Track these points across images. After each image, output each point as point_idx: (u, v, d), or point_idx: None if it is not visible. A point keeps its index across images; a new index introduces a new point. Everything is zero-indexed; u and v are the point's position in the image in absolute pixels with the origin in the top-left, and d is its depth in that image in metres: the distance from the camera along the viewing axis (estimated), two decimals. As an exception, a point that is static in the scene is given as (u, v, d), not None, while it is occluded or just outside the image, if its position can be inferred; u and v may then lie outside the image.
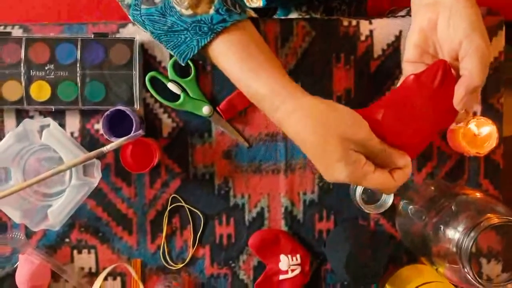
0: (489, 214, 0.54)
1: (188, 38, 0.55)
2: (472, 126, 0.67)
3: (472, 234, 0.53)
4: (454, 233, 0.57)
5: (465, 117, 0.57)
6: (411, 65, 0.57)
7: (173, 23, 0.55)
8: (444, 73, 0.53)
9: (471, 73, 0.51)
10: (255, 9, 0.88)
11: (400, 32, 0.71)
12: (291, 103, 0.52)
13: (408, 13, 0.91)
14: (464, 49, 0.51)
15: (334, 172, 0.51)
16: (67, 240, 0.72)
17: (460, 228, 0.56)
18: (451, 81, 0.53)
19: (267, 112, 0.54)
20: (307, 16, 0.93)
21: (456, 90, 0.52)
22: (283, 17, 0.93)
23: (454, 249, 0.56)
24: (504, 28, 0.71)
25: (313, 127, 0.51)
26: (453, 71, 0.54)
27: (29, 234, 0.72)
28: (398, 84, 0.57)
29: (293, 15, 0.94)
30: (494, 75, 0.71)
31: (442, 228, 0.60)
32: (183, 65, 0.59)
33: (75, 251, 0.72)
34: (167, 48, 0.58)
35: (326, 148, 0.50)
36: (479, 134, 0.68)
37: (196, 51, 0.55)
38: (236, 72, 0.54)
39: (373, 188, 0.52)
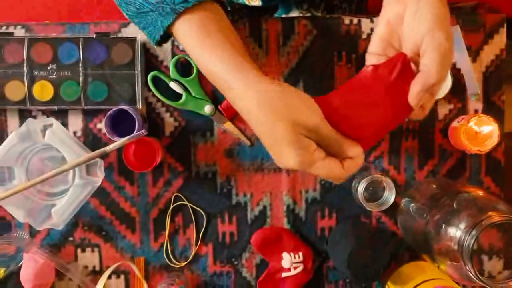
0: (490, 212, 0.54)
1: (154, 19, 0.55)
2: (473, 124, 0.67)
3: (473, 232, 0.53)
4: (455, 231, 0.57)
5: (421, 114, 0.56)
6: (374, 57, 0.55)
7: (141, 5, 0.55)
8: (403, 66, 0.52)
9: (429, 70, 0.50)
10: (255, 8, 0.88)
11: (402, 30, 0.71)
12: (245, 83, 0.51)
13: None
14: (426, 44, 0.50)
15: (284, 156, 0.50)
16: (70, 238, 0.73)
17: (462, 226, 0.57)
18: (409, 75, 0.52)
19: (222, 91, 0.54)
20: (308, 14, 0.93)
21: (412, 86, 0.52)
22: (284, 16, 0.93)
23: (456, 247, 0.56)
24: (505, 25, 0.71)
25: (264, 109, 0.50)
26: (413, 66, 0.53)
27: (33, 233, 0.72)
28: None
29: (294, 13, 0.94)
30: (495, 73, 0.72)
31: (443, 226, 0.60)
32: (155, 46, 0.59)
33: (78, 250, 0.73)
34: (141, 30, 0.58)
35: (276, 131, 0.50)
36: (480, 131, 0.68)
37: (161, 32, 0.55)
38: (196, 52, 0.54)
39: (321, 175, 0.51)
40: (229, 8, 0.86)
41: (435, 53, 0.49)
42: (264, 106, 0.50)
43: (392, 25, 0.54)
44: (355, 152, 0.52)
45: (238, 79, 0.51)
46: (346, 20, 0.71)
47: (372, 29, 0.71)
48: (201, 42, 0.53)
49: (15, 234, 0.71)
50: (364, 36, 0.71)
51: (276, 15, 0.96)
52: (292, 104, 0.50)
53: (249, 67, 0.52)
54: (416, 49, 0.52)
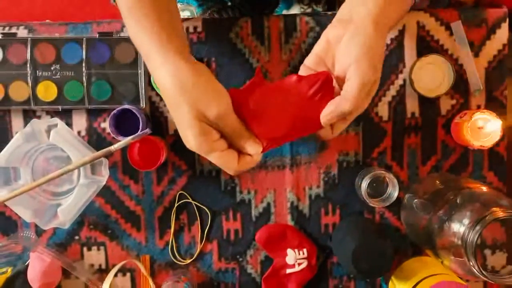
0: (494, 208, 0.54)
1: None
2: (476, 119, 0.68)
3: (477, 227, 0.54)
4: (459, 227, 0.58)
5: (329, 135, 0.58)
6: (306, 70, 0.57)
7: None
8: (324, 84, 0.55)
9: (346, 96, 0.52)
10: (256, 2, 0.88)
11: (404, 26, 0.71)
12: (162, 57, 0.52)
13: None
14: (350, 72, 0.52)
15: (185, 137, 0.52)
16: (76, 237, 0.73)
17: (465, 222, 0.57)
18: (329, 94, 0.55)
19: (144, 59, 0.55)
20: (309, 10, 0.93)
21: (328, 105, 0.54)
22: (286, 13, 0.93)
23: (459, 242, 0.57)
24: (507, 20, 0.71)
25: (174, 87, 0.51)
26: (337, 87, 0.55)
27: (39, 232, 0.73)
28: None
29: (295, 8, 0.94)
30: (498, 68, 0.72)
31: (447, 221, 0.60)
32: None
33: (84, 248, 0.74)
34: None
35: (180, 112, 0.51)
36: (483, 127, 0.68)
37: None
38: (125, 15, 0.55)
39: (216, 164, 0.53)
40: (230, 4, 0.86)
41: (357, 82, 0.52)
42: (174, 84, 0.51)
43: (330, 45, 0.56)
44: (254, 150, 0.54)
45: (158, 52, 0.52)
46: (348, 17, 0.71)
47: (374, 26, 0.71)
48: (133, 9, 0.54)
49: (21, 234, 0.72)
50: (366, 33, 0.71)
51: (277, 10, 0.95)
52: (200, 90, 0.51)
53: (173, 42, 0.53)
54: (344, 74, 0.54)
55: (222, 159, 0.52)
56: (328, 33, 0.56)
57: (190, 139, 0.51)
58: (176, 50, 0.52)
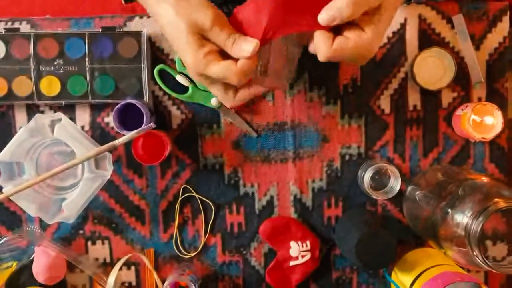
0: (496, 199, 0.55)
1: None
2: (477, 112, 0.68)
3: (480, 218, 0.54)
4: (462, 217, 0.58)
5: (328, 48, 0.51)
6: None
7: None
8: None
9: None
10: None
11: (405, 19, 0.72)
12: (156, 2, 0.52)
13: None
14: None
15: (182, 55, 0.52)
16: (81, 231, 0.74)
17: (468, 213, 0.58)
18: None
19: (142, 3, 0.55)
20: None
21: (326, 7, 0.50)
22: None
23: (462, 233, 0.57)
24: (508, 13, 0.71)
25: (171, 11, 0.51)
26: None
27: (43, 226, 0.73)
28: None
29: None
30: (499, 61, 0.72)
31: (449, 213, 0.61)
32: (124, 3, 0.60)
33: (89, 243, 0.74)
34: None
35: (177, 33, 0.51)
36: (484, 119, 0.69)
37: None
38: None
39: (215, 77, 0.52)
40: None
41: None
42: (172, 7, 0.51)
43: None
44: (251, 45, 0.50)
45: None
46: (350, 10, 0.72)
47: (376, 19, 0.71)
48: None
49: (26, 228, 0.72)
50: (368, 26, 0.72)
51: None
52: (194, 3, 0.51)
53: None
54: None
55: (219, 67, 0.51)
56: None
57: (187, 54, 0.51)
58: None
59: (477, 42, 0.72)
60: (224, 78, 0.52)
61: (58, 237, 0.74)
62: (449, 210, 0.61)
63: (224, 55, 0.52)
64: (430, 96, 0.73)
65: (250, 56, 0.51)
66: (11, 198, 0.64)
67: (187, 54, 0.51)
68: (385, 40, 0.72)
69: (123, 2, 0.66)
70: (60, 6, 1.24)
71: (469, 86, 0.73)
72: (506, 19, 0.72)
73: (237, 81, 0.51)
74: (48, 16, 0.74)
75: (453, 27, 0.72)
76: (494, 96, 0.73)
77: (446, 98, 0.73)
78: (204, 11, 0.51)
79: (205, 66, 0.51)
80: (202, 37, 0.51)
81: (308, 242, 0.73)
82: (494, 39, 0.72)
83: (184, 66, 0.71)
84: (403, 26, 0.72)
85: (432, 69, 0.71)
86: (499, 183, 0.62)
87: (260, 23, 0.51)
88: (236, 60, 0.51)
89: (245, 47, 0.51)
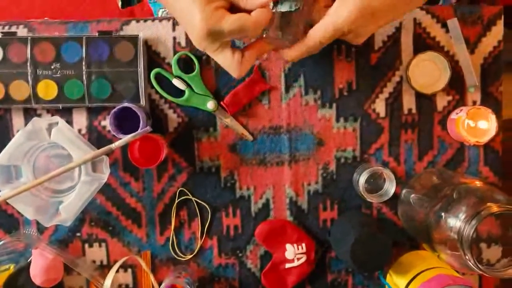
0: (489, 203, 0.55)
1: None
2: (471, 116, 0.69)
3: (473, 222, 0.55)
4: (455, 221, 0.59)
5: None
6: None
7: None
8: None
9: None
10: None
11: (400, 23, 0.72)
12: None
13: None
14: None
15: (188, 20, 0.50)
16: (78, 234, 0.74)
17: (461, 216, 0.58)
18: None
19: None
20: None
21: None
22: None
23: (455, 237, 0.58)
24: (503, 17, 0.72)
25: None
26: None
27: (40, 229, 0.74)
28: None
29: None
30: (493, 64, 0.73)
31: (443, 216, 0.61)
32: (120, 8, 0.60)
33: (86, 245, 0.74)
34: None
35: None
36: (478, 123, 0.69)
37: None
38: None
39: (230, 30, 0.49)
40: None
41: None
42: None
43: None
44: None
45: None
46: (346, 15, 0.72)
47: (371, 23, 0.72)
48: None
49: (23, 231, 0.73)
50: (363, 30, 0.72)
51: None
52: None
53: None
54: None
55: (234, 18, 0.49)
56: None
57: (195, 16, 0.49)
58: None
59: (472, 46, 0.72)
60: (240, 30, 0.49)
61: (55, 240, 0.74)
62: (443, 213, 0.61)
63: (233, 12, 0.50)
64: (425, 100, 0.73)
65: (264, 4, 0.49)
66: (8, 201, 0.64)
67: (194, 13, 0.49)
68: (380, 44, 0.72)
69: (120, 6, 0.67)
70: (59, 7, 1.24)
71: (464, 89, 0.73)
72: (500, 23, 0.72)
73: (253, 31, 0.49)
74: (46, 18, 0.74)
75: (447, 31, 0.72)
76: (489, 99, 0.73)
77: (441, 101, 0.73)
78: None
79: (218, 19, 0.49)
80: None
81: (303, 245, 0.73)
82: (488, 43, 0.72)
83: (178, 70, 0.71)
84: (398, 30, 0.72)
85: (427, 73, 0.72)
86: (493, 187, 0.63)
87: None
88: (248, 12, 0.50)
89: None
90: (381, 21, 0.54)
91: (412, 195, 0.70)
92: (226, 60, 0.53)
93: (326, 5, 0.54)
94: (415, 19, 0.72)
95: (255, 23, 0.49)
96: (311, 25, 0.54)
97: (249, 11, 0.50)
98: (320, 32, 0.53)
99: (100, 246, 0.74)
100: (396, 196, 0.72)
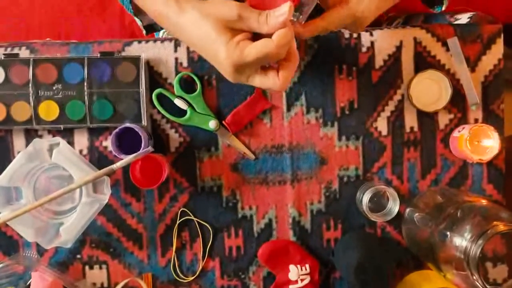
0: (495, 222, 0.55)
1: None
2: (474, 133, 0.69)
3: (479, 241, 0.54)
4: (461, 240, 0.58)
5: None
6: None
7: None
8: None
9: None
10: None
11: (401, 42, 0.73)
12: (178, 7, 0.53)
13: (406, 20, 0.92)
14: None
15: (214, 56, 0.51)
16: (78, 256, 0.73)
17: (467, 235, 0.57)
18: None
19: (163, 24, 0.56)
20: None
21: None
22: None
23: (462, 256, 0.57)
24: (502, 36, 0.72)
25: (195, 16, 0.51)
26: None
27: (40, 251, 0.73)
28: None
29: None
30: (494, 82, 0.73)
31: (448, 235, 0.61)
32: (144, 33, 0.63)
33: (86, 267, 0.73)
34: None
35: (204, 33, 0.51)
36: (481, 141, 0.69)
37: (131, 10, 0.62)
38: (148, 7, 0.56)
39: (255, 60, 0.50)
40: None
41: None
42: (195, 13, 0.51)
43: None
44: (284, 8, 0.50)
45: (171, 6, 0.53)
46: (346, 34, 0.73)
47: (372, 42, 0.72)
48: None
49: (23, 254, 0.72)
50: (364, 50, 0.73)
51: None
52: (210, 5, 0.51)
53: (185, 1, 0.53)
54: None
55: (256, 47, 0.49)
56: None
57: (220, 51, 0.50)
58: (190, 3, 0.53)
59: (472, 64, 0.73)
60: (265, 57, 0.50)
61: (55, 262, 0.73)
62: (448, 232, 0.61)
63: (255, 39, 0.51)
64: (426, 118, 0.73)
65: (285, 23, 0.49)
66: (8, 223, 0.64)
67: (219, 51, 0.50)
68: (381, 63, 0.73)
69: (144, 33, 0.68)
70: (61, 28, 1.25)
71: (466, 107, 0.73)
72: (500, 41, 0.72)
73: (277, 54, 0.50)
74: (48, 39, 0.75)
75: (448, 49, 0.73)
76: (490, 117, 0.73)
77: (443, 119, 0.73)
78: (227, 5, 0.50)
79: (241, 53, 0.50)
80: (230, 29, 0.50)
81: (307, 266, 0.72)
82: (489, 61, 0.73)
83: (180, 90, 0.71)
84: (398, 49, 0.73)
85: (428, 91, 0.72)
86: (498, 205, 0.62)
87: None
88: (269, 36, 0.50)
89: (280, 10, 0.50)
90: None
91: (416, 214, 0.69)
92: (263, 84, 0.53)
93: None
94: (415, 38, 0.73)
95: (278, 47, 0.50)
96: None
97: (271, 35, 0.50)
98: (335, 20, 0.56)
99: (100, 268, 0.73)
100: (400, 215, 0.72)
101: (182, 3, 0.53)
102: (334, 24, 0.56)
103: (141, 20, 0.66)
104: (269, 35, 0.50)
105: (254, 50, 0.50)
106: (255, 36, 0.51)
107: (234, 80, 0.53)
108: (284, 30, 0.50)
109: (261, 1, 0.52)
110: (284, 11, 0.49)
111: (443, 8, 0.70)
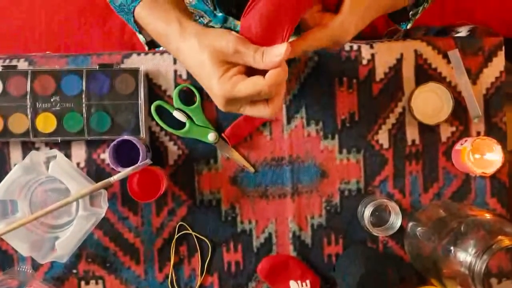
0: (500, 236, 0.54)
1: (125, 18, 0.62)
2: (476, 146, 0.68)
3: (484, 257, 0.53)
4: (465, 256, 0.57)
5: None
6: None
7: (117, 5, 0.61)
8: None
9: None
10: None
11: (401, 55, 0.72)
12: (179, 32, 0.54)
13: (406, 33, 0.92)
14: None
15: (208, 85, 0.52)
16: (74, 271, 0.72)
17: (471, 250, 0.56)
18: None
19: (165, 45, 0.58)
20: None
21: None
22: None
23: (466, 272, 0.56)
24: (503, 48, 0.72)
25: (195, 45, 0.52)
26: None
27: (35, 266, 0.71)
28: None
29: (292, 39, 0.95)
30: (496, 95, 0.72)
31: (452, 250, 0.59)
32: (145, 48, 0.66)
33: (82, 282, 0.72)
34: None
35: (200, 61, 0.52)
36: (484, 154, 0.68)
37: (136, 27, 0.62)
38: (149, 22, 0.58)
39: (245, 96, 0.50)
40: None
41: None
42: (193, 43, 0.52)
43: None
44: (280, 48, 0.50)
45: (173, 30, 0.55)
46: (346, 47, 0.72)
47: (372, 55, 0.72)
48: (154, 15, 0.58)
49: (17, 269, 0.70)
50: (364, 62, 0.72)
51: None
52: (213, 33, 0.52)
53: (187, 22, 0.55)
54: None
55: (247, 84, 0.50)
56: None
57: (214, 83, 0.51)
58: (187, 21, 0.55)
59: (474, 77, 0.72)
60: (255, 95, 0.50)
61: (51, 277, 0.72)
62: (452, 247, 0.59)
63: (249, 75, 0.51)
64: (428, 131, 0.72)
65: (281, 63, 0.50)
66: (2, 237, 0.63)
67: (212, 83, 0.51)
68: (381, 76, 0.72)
69: (146, 48, 0.68)
70: (61, 40, 1.26)
71: (468, 120, 0.72)
72: (501, 53, 0.72)
73: (269, 92, 0.50)
74: (48, 52, 0.74)
75: (449, 62, 0.72)
76: (493, 130, 0.72)
77: (445, 132, 0.72)
78: (225, 38, 0.51)
79: (232, 88, 0.50)
80: (226, 63, 0.51)
81: (308, 281, 0.70)
82: (490, 74, 0.72)
83: (179, 102, 0.71)
84: (399, 61, 0.72)
85: (429, 104, 0.71)
86: (502, 219, 0.61)
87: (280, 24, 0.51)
88: (262, 74, 0.50)
89: (277, 51, 0.50)
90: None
91: (419, 229, 0.68)
92: (254, 114, 0.54)
93: (319, 10, 0.56)
94: (416, 51, 0.72)
95: (270, 87, 0.50)
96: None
97: (265, 72, 0.51)
98: (315, 41, 0.55)
99: (96, 283, 0.72)
100: (402, 229, 0.70)
101: (186, 28, 0.54)
102: (312, 47, 0.56)
103: (144, 37, 0.67)
104: (264, 71, 0.51)
105: (244, 87, 0.50)
106: (250, 69, 0.52)
107: (225, 110, 0.54)
108: (277, 70, 0.50)
109: (253, 36, 0.51)
110: (280, 52, 0.50)
111: (408, 26, 0.69)
